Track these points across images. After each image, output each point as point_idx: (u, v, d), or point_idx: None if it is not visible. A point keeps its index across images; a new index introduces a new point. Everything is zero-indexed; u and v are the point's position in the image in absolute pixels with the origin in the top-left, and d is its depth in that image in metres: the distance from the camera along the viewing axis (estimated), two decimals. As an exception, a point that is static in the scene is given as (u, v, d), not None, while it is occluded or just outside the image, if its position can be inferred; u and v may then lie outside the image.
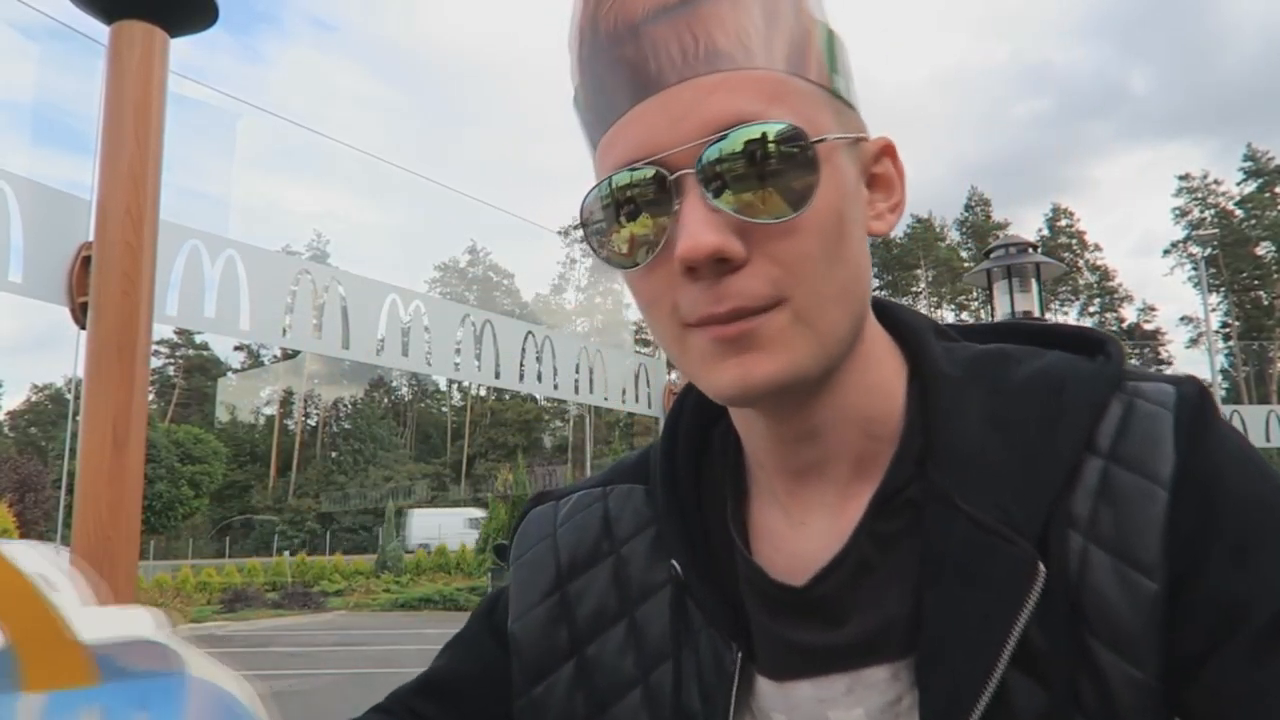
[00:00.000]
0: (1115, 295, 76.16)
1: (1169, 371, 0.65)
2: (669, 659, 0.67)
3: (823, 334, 0.57)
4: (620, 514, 0.75)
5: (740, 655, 0.64)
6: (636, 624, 0.69)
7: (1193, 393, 0.59)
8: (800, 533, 0.65)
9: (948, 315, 75.69)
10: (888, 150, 0.66)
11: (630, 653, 0.68)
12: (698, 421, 0.73)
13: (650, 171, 0.56)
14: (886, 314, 0.69)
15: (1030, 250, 6.83)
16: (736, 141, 0.54)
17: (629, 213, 0.57)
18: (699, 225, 0.54)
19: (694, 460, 0.72)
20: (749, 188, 0.54)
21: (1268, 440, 7.10)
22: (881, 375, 0.65)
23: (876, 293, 0.67)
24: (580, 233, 0.62)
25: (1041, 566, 0.55)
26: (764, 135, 0.54)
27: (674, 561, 0.67)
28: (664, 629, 0.68)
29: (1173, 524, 0.54)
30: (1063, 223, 76.94)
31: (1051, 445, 0.58)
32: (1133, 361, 0.67)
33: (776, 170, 0.55)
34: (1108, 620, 0.55)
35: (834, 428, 0.63)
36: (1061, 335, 0.68)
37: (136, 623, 0.44)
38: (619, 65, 0.58)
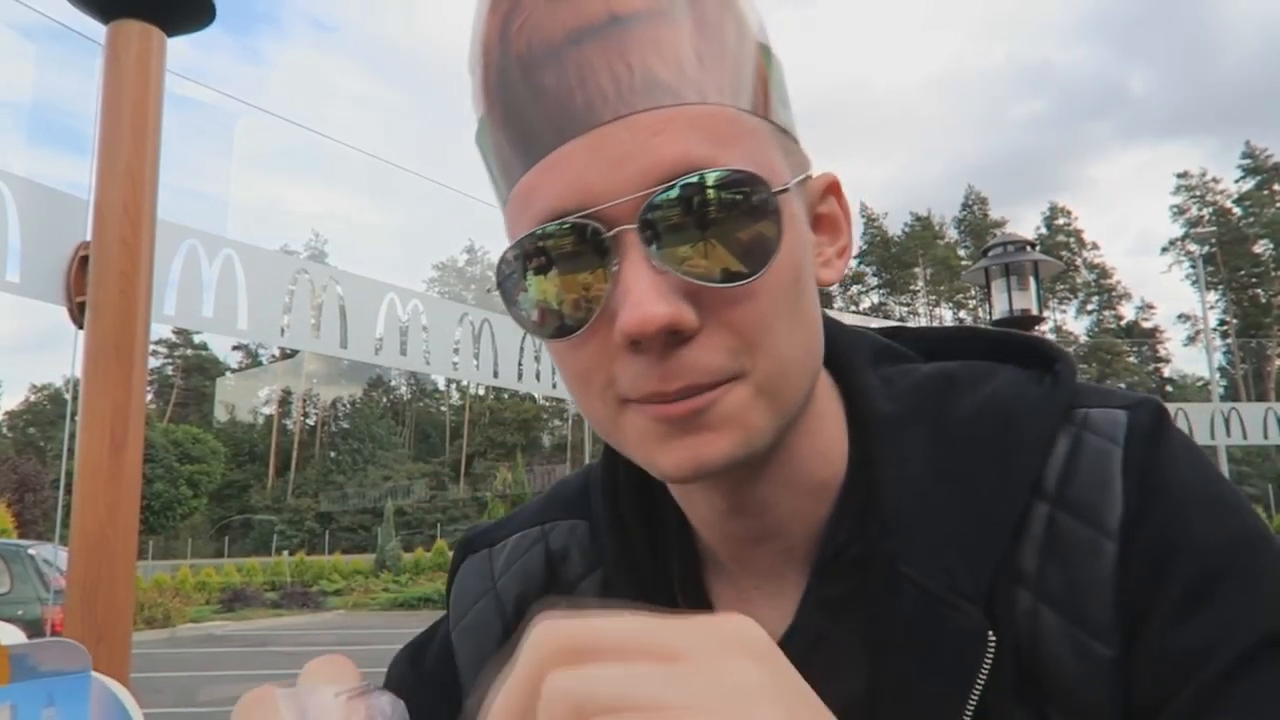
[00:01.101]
0: (1113, 293, 76.22)
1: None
2: None
3: (783, 404, 0.52)
4: (565, 554, 0.67)
5: None
6: None
7: (1144, 421, 0.54)
8: (752, 600, 0.61)
9: (946, 314, 75.74)
10: (833, 187, 0.59)
11: None
12: (638, 473, 0.64)
13: (583, 226, 0.48)
14: (827, 342, 0.62)
15: (1028, 248, 6.83)
16: (686, 192, 0.47)
17: (557, 275, 0.50)
18: (646, 293, 0.46)
19: (640, 511, 0.65)
20: (700, 246, 0.47)
21: (1265, 437, 7.11)
22: (828, 433, 0.59)
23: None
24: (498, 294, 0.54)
25: (991, 635, 0.51)
26: (718, 184, 0.47)
27: None
28: None
29: (1123, 580, 0.50)
30: (1060, 221, 76.95)
31: (997, 494, 0.53)
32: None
33: (732, 225, 0.48)
34: (1064, 689, 0.51)
35: (782, 498, 0.57)
36: (1012, 346, 0.63)
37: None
38: (537, 96, 0.49)
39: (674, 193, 0.47)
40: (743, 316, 0.49)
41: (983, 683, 0.51)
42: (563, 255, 0.49)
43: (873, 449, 0.58)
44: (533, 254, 0.50)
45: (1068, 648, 0.50)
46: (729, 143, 0.49)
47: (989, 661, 0.51)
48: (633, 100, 0.48)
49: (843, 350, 0.62)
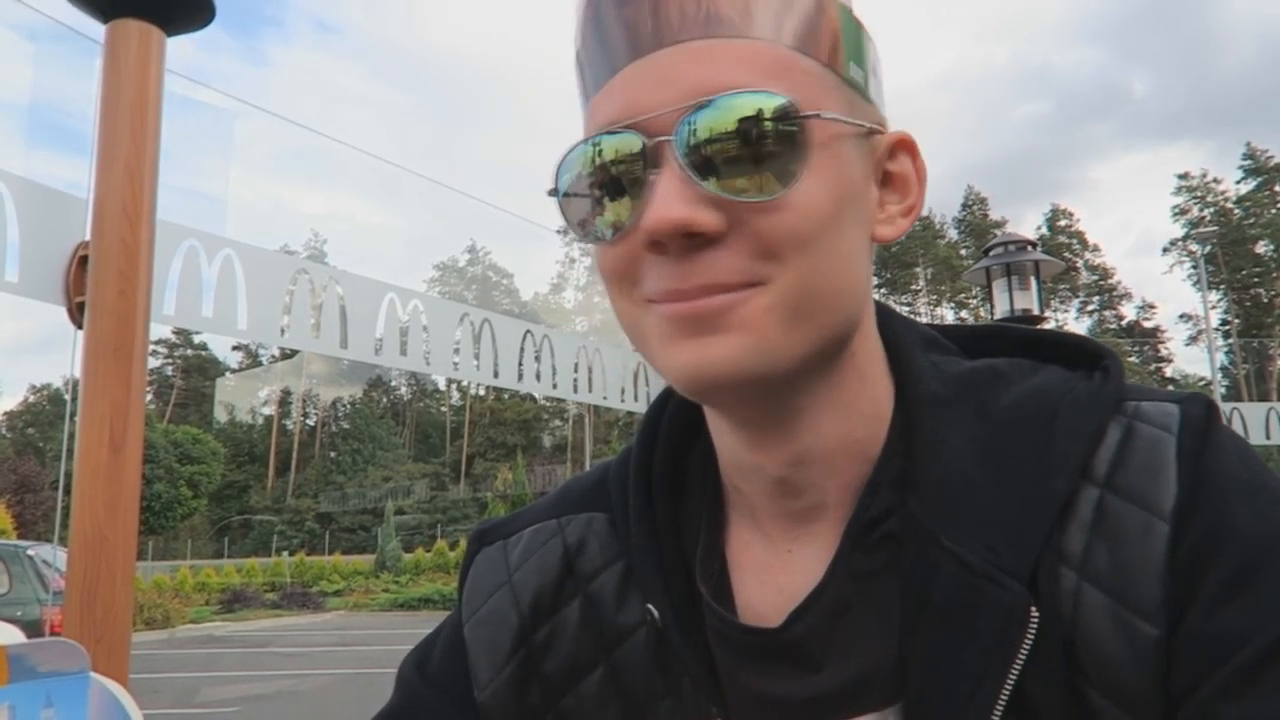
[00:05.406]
0: (1114, 293, 76.19)
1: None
2: (655, 706, 0.62)
3: (806, 327, 0.52)
4: (582, 548, 0.68)
5: (720, 717, 0.60)
6: (615, 670, 0.64)
7: (1198, 414, 0.54)
8: (786, 561, 0.61)
9: (947, 313, 75.71)
10: (905, 145, 0.60)
11: (612, 703, 0.63)
12: (674, 449, 0.67)
13: (628, 137, 0.52)
14: (879, 322, 0.63)
15: (1029, 248, 6.82)
16: (720, 110, 0.50)
17: (603, 180, 0.53)
18: (669, 196, 0.50)
19: (670, 494, 0.66)
20: (730, 161, 0.50)
21: (1267, 438, 7.11)
22: (873, 394, 0.60)
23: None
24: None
25: (1034, 611, 0.51)
26: (751, 106, 0.50)
27: (650, 606, 0.62)
28: (645, 674, 0.63)
29: (1174, 561, 0.50)
30: (1062, 222, 76.90)
31: (1043, 478, 0.54)
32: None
33: (763, 145, 0.50)
34: (1105, 672, 0.51)
35: (821, 453, 0.58)
36: (1058, 345, 0.63)
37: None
38: (617, 25, 0.54)
39: (708, 110, 0.50)
40: (770, 226, 0.50)
41: (1023, 660, 0.51)
42: (611, 164, 0.53)
43: (917, 425, 0.59)
44: (585, 160, 0.54)
45: (1111, 628, 0.51)
46: (774, 76, 0.51)
47: (1030, 638, 0.51)
48: (691, 29, 0.52)
49: (896, 330, 0.63)
